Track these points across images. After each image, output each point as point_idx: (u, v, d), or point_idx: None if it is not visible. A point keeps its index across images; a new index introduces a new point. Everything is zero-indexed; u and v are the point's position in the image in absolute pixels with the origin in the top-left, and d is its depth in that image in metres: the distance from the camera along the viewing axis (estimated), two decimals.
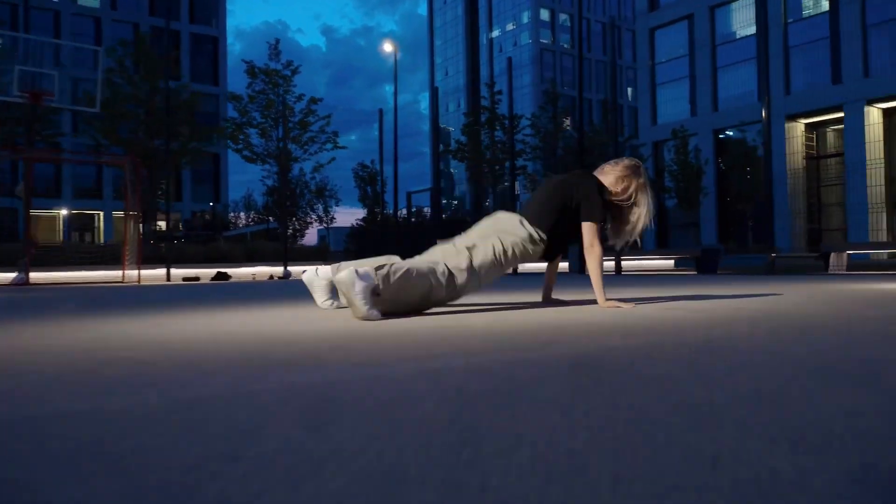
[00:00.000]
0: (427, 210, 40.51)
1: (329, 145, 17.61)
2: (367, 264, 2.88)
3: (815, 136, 29.07)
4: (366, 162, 36.95)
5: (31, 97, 10.45)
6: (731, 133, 30.35)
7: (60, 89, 11.03)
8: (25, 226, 12.43)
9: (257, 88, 17.38)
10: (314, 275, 3.29)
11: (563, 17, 65.51)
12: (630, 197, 3.36)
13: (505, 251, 3.15)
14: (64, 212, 41.62)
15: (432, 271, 2.99)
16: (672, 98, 32.48)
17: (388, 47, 17.17)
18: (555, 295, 3.98)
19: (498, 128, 23.66)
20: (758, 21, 29.08)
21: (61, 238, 37.16)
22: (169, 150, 14.70)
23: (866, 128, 25.57)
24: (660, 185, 31.10)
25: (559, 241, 3.37)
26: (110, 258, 15.05)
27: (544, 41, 65.36)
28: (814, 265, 10.64)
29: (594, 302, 3.39)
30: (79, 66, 11.86)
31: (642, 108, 34.05)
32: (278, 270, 15.55)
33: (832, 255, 9.63)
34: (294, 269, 15.68)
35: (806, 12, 28.02)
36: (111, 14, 44.99)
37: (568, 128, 30.28)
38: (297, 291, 6.06)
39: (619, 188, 3.35)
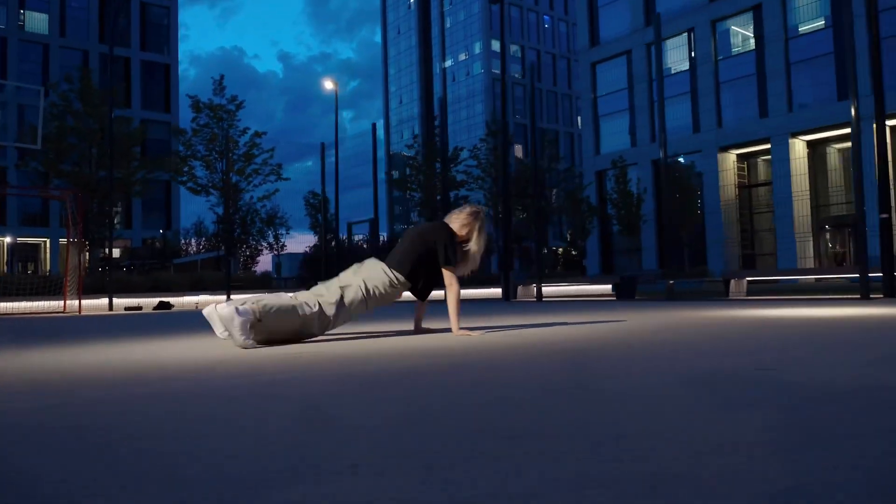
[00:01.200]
0: (383, 237, 41.02)
1: (272, 177, 18.10)
2: (250, 302, 3.45)
3: (745, 165, 30.64)
4: (317, 190, 37.40)
5: None
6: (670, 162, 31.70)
7: (3, 125, 11.30)
8: None
9: (202, 122, 17.81)
10: (213, 310, 3.83)
11: (513, 48, 67.27)
12: (469, 237, 4.06)
13: (369, 291, 3.79)
14: (8, 240, 40.88)
15: (301, 306, 3.60)
16: (613, 129, 33.84)
17: (328, 84, 17.88)
18: (437, 324, 4.60)
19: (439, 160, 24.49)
20: (690, 57, 30.72)
21: (4, 268, 36.50)
22: (113, 180, 14.95)
23: (792, 161, 27.11)
24: (602, 213, 32.28)
25: (426, 281, 4.02)
26: (54, 288, 15.13)
27: (496, 71, 66.93)
28: (716, 291, 11.49)
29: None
30: (21, 103, 12.12)
31: (585, 138, 35.34)
32: (222, 299, 15.84)
33: (732, 281, 10.48)
34: (237, 298, 15.98)
35: (735, 50, 29.69)
36: (59, 41, 44.71)
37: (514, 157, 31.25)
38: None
39: (463, 232, 4.06)
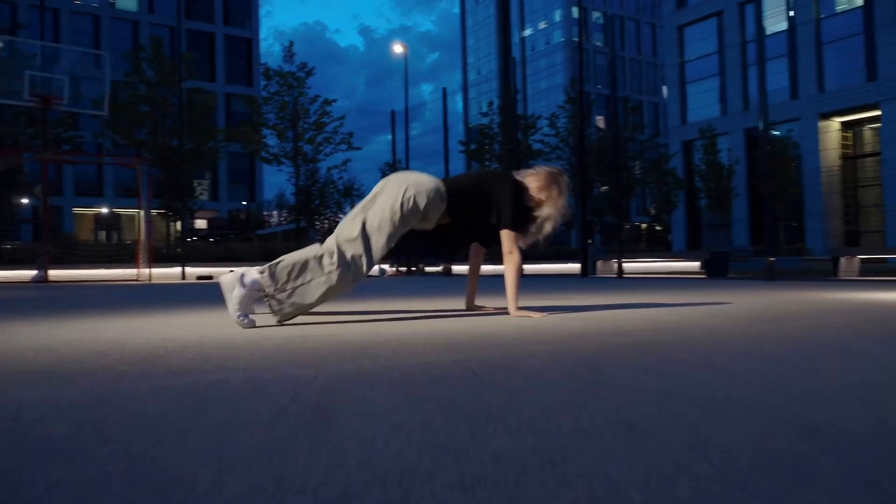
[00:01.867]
0: None
1: (343, 146, 17.73)
2: (271, 266, 2.83)
3: (850, 134, 28.25)
4: (397, 160, 37.10)
5: (42, 101, 10.76)
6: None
7: (73, 92, 11.30)
8: (44, 225, 12.79)
9: (272, 90, 17.60)
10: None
11: (595, 14, 64.76)
12: (542, 203, 3.27)
13: (404, 203, 2.93)
14: (104, 210, 42.71)
15: (318, 259, 2.84)
16: (702, 97, 31.89)
17: (398, 48, 17.18)
18: (494, 302, 3.95)
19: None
20: (788, 16, 28.38)
21: (95, 237, 38.15)
22: (186, 150, 14.93)
23: None
24: (689, 186, 30.54)
25: (461, 231, 3.23)
26: (129, 256, 15.39)
27: (576, 39, 64.67)
28: (823, 270, 10.31)
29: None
30: (89, 70, 12.12)
31: (671, 106, 33.52)
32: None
33: (842, 259, 9.31)
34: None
35: (839, 7, 27.23)
36: (148, 17, 45.96)
37: (594, 127, 30.01)
38: None
39: (539, 195, 3.26)
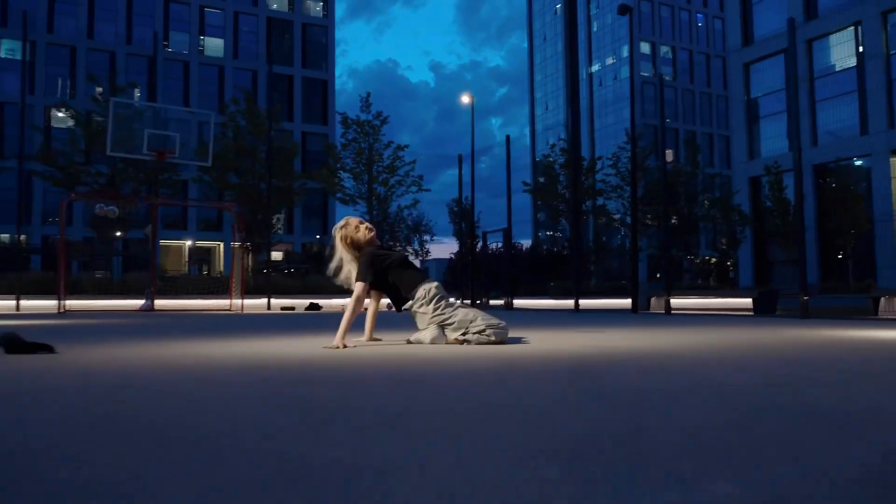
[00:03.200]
0: (523, 245, 41.47)
1: (414, 188, 19.11)
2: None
3: None
4: (464, 196, 38.54)
5: (157, 155, 12.45)
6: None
7: (182, 145, 12.97)
8: (151, 261, 14.46)
9: (349, 137, 19.18)
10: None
11: (664, 49, 65.16)
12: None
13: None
14: (189, 243, 45.68)
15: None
16: (769, 133, 31.99)
17: (465, 99, 18.58)
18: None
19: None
20: (857, 53, 28.37)
21: (186, 268, 40.89)
22: (273, 190, 16.52)
23: None
24: (756, 221, 30.56)
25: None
26: (222, 288, 16.95)
27: (645, 74, 65.14)
28: (864, 308, 10.73)
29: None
30: (192, 126, 13.80)
31: (737, 142, 33.67)
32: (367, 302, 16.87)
33: (882, 299, 9.78)
34: (382, 301, 17.00)
35: None
36: (233, 63, 49.27)
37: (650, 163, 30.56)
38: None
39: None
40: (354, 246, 4.44)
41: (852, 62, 28.69)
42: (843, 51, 29.24)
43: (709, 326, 6.82)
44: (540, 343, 4.40)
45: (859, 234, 27.30)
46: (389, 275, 4.45)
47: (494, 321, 4.29)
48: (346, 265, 4.48)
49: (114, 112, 12.51)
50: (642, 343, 4.43)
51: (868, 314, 9.91)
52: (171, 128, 12.85)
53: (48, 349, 3.69)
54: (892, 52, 27.45)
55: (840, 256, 27.51)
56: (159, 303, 14.40)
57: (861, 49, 28.30)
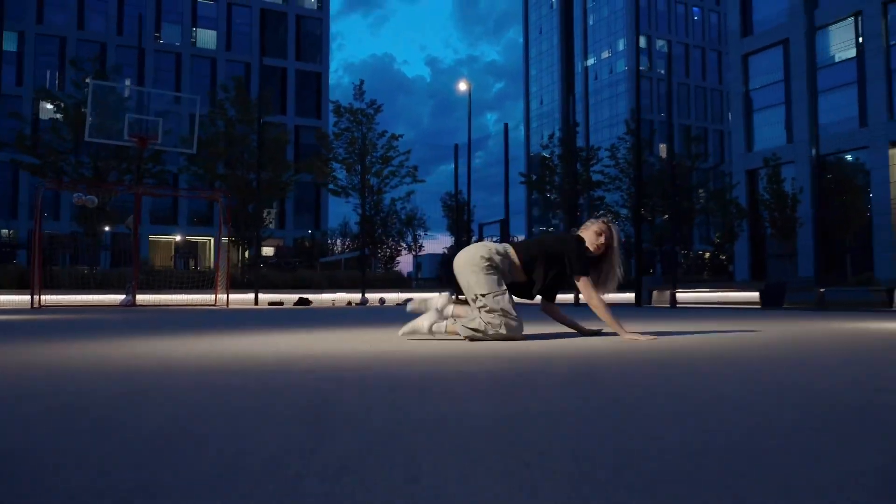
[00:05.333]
0: (515, 238, 41.04)
1: (408, 179, 18.56)
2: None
3: None
4: (458, 190, 37.99)
5: (139, 141, 11.89)
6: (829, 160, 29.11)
7: (166, 132, 12.41)
8: (133, 254, 13.92)
9: (342, 126, 18.61)
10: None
11: (660, 42, 64.67)
12: (601, 250, 3.89)
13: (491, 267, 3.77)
14: (177, 238, 45.01)
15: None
16: (767, 125, 31.57)
17: (462, 86, 18.01)
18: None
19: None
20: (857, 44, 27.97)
21: (173, 263, 40.26)
22: (263, 182, 15.96)
23: None
24: (753, 215, 30.14)
25: (548, 282, 3.91)
26: (207, 283, 16.42)
27: (641, 68, 64.74)
28: (878, 301, 10.32)
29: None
30: (178, 113, 13.25)
31: (735, 135, 33.27)
32: (356, 297, 16.47)
33: None
34: (371, 297, 16.55)
35: None
36: (225, 55, 48.56)
37: (650, 157, 30.09)
38: (364, 316, 6.71)
39: (595, 245, 3.87)
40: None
41: (851, 53, 28.28)
42: (842, 41, 28.85)
43: (725, 320, 6.36)
44: (567, 342, 3.89)
45: (857, 226, 26.94)
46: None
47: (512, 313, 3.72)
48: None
49: (93, 95, 11.89)
50: (669, 343, 3.93)
51: (878, 306, 9.49)
52: (154, 113, 12.27)
53: None
54: (892, 43, 27.05)
55: (840, 249, 27.14)
56: (141, 298, 13.87)
57: (861, 40, 27.89)
